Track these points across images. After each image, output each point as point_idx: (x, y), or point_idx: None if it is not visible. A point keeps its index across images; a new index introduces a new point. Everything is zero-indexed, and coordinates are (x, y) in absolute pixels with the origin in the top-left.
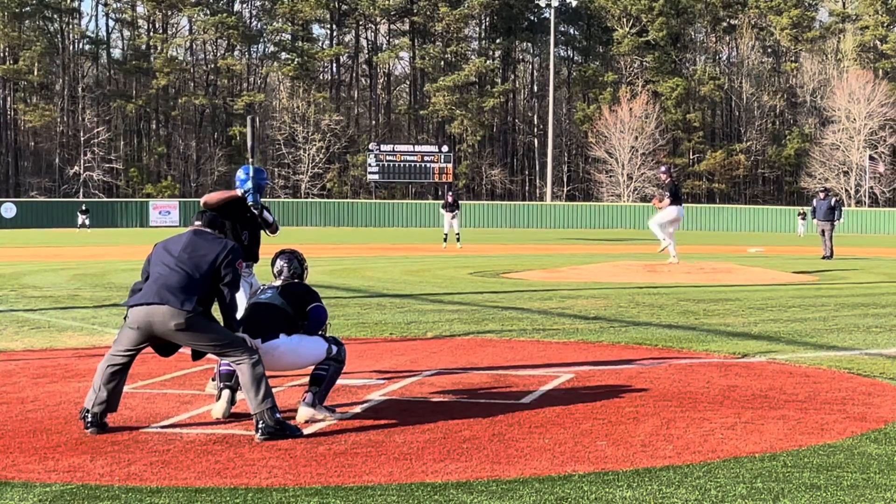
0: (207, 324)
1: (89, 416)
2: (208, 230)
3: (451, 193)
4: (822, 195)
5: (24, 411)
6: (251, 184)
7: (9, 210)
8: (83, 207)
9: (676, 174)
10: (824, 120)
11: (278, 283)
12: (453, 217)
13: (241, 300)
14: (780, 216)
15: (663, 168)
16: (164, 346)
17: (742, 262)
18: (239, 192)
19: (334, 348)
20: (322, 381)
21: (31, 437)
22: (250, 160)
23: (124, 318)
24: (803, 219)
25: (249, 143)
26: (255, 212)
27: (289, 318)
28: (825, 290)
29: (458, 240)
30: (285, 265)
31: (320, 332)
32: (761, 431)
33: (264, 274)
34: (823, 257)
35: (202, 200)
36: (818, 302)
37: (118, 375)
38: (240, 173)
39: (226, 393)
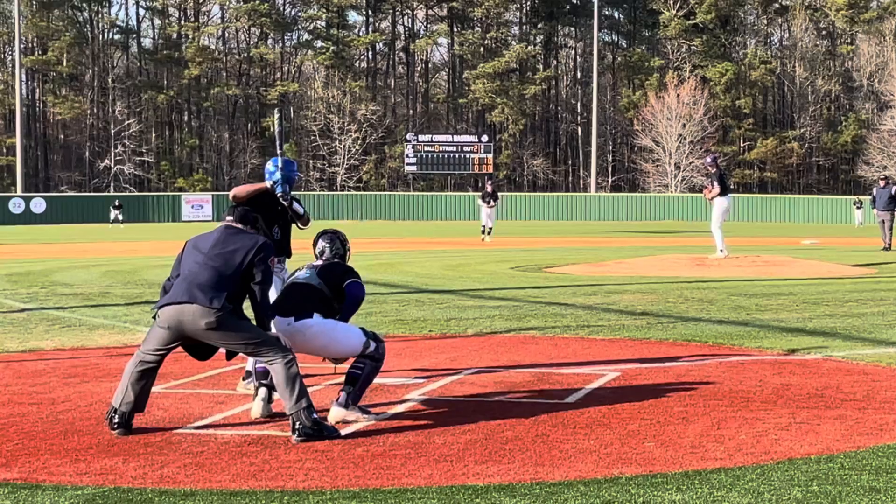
0: (238, 322)
1: (116, 416)
2: (239, 225)
3: (490, 183)
4: (882, 183)
5: (55, 412)
6: (280, 175)
7: (38, 205)
8: (116, 203)
9: (725, 163)
10: (882, 105)
11: (319, 262)
12: (491, 208)
13: (273, 294)
14: (835, 206)
15: (709, 158)
16: (198, 349)
17: (796, 254)
18: (268, 184)
19: (372, 344)
20: (357, 380)
21: (62, 438)
22: (279, 153)
23: (153, 318)
24: (859, 208)
25: (277, 137)
26: (285, 203)
27: (325, 300)
28: (884, 284)
29: (489, 233)
30: (327, 245)
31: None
32: (817, 432)
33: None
34: (884, 248)
35: (231, 194)
36: (877, 296)
37: (147, 375)
38: (269, 165)
39: (262, 391)
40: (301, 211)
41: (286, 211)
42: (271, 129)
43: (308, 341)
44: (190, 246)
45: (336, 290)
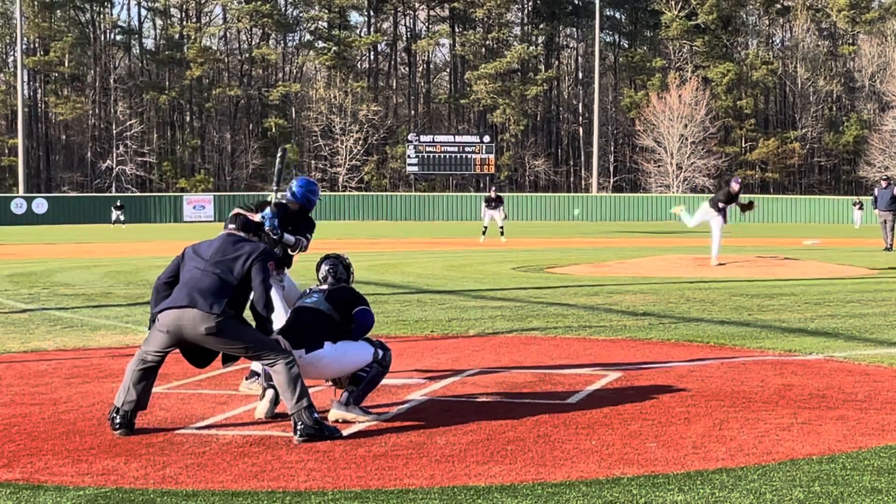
0: (238, 327)
1: (118, 416)
2: (241, 234)
3: (493, 189)
4: (884, 183)
5: (57, 412)
6: (269, 211)
7: (40, 206)
8: (118, 203)
9: (727, 164)
10: (884, 105)
11: (325, 286)
12: (498, 211)
13: (276, 300)
14: (837, 207)
15: (736, 186)
16: (196, 355)
17: (797, 255)
18: (258, 217)
19: (380, 352)
20: (361, 381)
21: (63, 439)
22: (275, 190)
23: (151, 322)
24: (860, 208)
25: (276, 174)
26: (274, 238)
27: (334, 325)
28: (886, 284)
29: (501, 233)
30: (329, 270)
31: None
32: (819, 432)
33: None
34: (885, 249)
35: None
36: (878, 296)
37: (149, 375)
38: (292, 185)
39: (269, 392)
40: (292, 240)
41: (295, 228)
42: (278, 136)
43: (322, 371)
44: (189, 252)
45: (345, 314)
